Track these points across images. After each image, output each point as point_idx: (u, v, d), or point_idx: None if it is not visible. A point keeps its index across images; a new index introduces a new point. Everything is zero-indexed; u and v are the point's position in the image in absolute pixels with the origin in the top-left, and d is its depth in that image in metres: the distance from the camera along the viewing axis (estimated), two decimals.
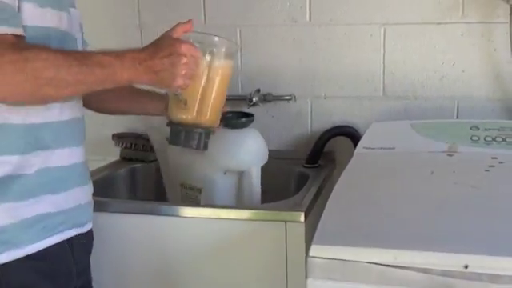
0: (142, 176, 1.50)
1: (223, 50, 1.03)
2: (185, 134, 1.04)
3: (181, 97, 1.01)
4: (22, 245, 0.89)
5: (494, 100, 1.40)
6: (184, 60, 0.92)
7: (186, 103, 1.01)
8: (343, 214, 0.91)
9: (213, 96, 1.03)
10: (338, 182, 1.05)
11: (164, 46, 0.92)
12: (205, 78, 1.02)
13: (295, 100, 1.49)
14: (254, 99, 1.47)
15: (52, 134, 0.95)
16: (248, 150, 1.19)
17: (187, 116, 1.02)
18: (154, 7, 1.54)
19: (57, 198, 0.95)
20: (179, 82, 0.93)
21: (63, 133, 0.97)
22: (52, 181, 0.95)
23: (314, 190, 1.22)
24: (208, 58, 1.02)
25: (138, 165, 1.50)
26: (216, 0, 1.51)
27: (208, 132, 1.05)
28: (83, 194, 1.03)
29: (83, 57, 0.87)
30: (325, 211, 0.91)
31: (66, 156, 0.98)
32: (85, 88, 0.88)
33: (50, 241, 0.93)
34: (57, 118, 0.96)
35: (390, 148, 1.23)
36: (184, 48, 0.92)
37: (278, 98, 1.49)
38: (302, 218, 1.08)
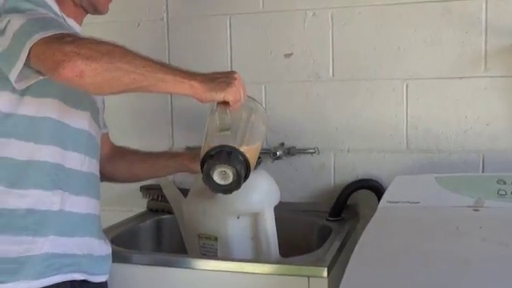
0: (167, 227, 1.47)
1: (261, 109, 1.09)
2: (228, 152, 0.98)
3: (227, 117, 0.96)
4: (27, 278, 0.90)
5: None
6: (237, 76, 0.94)
7: (229, 129, 0.98)
8: (366, 272, 0.88)
9: (253, 139, 1.03)
10: (362, 237, 1.02)
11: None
12: (247, 120, 1.03)
13: (318, 153, 1.48)
14: (277, 153, 1.46)
15: (73, 179, 0.98)
16: (259, 192, 1.16)
17: (230, 141, 0.99)
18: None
19: (68, 242, 0.96)
20: (234, 88, 0.92)
21: (82, 182, 1.00)
22: (67, 224, 0.96)
23: (337, 244, 1.19)
24: (251, 107, 1.05)
25: (164, 216, 1.48)
26: (242, 57, 1.53)
27: (248, 169, 1.01)
28: (96, 246, 1.03)
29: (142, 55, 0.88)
30: (348, 268, 0.87)
31: (83, 204, 1.00)
32: (148, 78, 0.85)
33: (51, 279, 0.93)
34: (77, 167, 0.99)
35: (414, 202, 1.19)
36: (237, 74, 0.96)
37: (302, 152, 1.48)
38: (325, 274, 1.04)
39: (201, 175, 1.16)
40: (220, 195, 1.12)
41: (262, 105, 1.16)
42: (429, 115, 1.41)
